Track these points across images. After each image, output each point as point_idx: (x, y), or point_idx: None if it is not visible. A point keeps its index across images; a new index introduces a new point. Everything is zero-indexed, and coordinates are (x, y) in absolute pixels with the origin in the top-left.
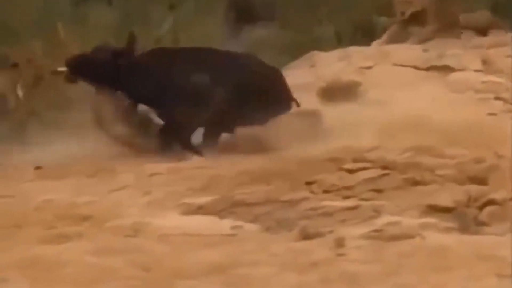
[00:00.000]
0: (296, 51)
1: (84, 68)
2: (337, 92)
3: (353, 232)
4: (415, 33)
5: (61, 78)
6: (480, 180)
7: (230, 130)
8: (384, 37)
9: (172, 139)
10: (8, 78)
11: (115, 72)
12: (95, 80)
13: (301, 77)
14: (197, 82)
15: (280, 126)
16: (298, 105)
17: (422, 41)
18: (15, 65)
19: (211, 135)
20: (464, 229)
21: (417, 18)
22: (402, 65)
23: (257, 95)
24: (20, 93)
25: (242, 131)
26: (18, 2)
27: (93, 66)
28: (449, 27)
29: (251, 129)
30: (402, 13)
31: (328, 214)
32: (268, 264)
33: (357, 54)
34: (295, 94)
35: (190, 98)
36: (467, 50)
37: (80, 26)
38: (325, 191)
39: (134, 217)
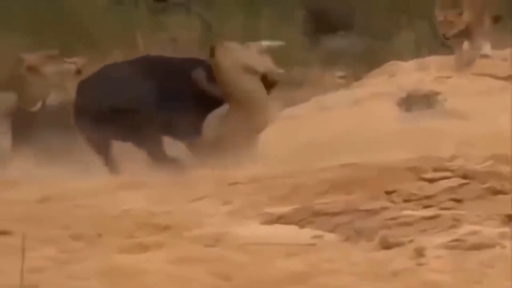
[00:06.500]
0: (375, 60)
1: None
2: (416, 101)
3: (433, 241)
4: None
5: None
6: None
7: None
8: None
9: None
10: None
11: None
12: None
13: (381, 86)
14: None
15: None
16: None
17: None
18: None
19: None
20: None
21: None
22: (480, 74)
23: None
24: None
25: None
26: (97, 12)
27: None
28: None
29: None
30: (444, 35)
31: (408, 223)
32: (348, 273)
33: (436, 63)
34: (375, 102)
35: None
36: None
37: (158, 35)
38: (405, 200)
39: (214, 226)
